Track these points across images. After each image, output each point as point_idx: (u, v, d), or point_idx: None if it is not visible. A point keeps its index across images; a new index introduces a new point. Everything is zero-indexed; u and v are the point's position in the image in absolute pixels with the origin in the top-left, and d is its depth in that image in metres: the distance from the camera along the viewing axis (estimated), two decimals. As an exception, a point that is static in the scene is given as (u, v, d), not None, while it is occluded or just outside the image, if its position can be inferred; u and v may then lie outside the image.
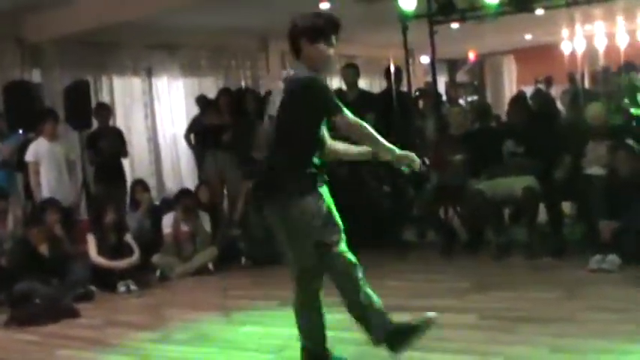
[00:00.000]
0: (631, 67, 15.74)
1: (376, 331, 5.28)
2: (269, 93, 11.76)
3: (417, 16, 10.83)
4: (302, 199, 5.12)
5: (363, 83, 11.78)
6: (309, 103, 5.05)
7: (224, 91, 12.51)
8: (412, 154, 5.45)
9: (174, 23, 13.21)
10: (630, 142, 8.61)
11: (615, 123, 10.06)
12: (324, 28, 5.25)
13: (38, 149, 10.48)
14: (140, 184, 11.43)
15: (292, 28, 5.30)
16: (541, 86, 18.93)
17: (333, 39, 5.28)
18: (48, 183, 10.45)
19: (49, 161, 10.49)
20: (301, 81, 5.12)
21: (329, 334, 5.55)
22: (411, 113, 11.44)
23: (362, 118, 10.48)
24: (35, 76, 12.86)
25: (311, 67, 5.21)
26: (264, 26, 14.85)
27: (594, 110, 9.43)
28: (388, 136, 9.99)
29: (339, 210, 5.34)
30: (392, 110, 10.88)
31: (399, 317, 5.34)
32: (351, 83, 11.27)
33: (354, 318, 5.34)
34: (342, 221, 5.31)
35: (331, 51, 5.29)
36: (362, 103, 10.92)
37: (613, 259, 7.97)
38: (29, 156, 10.53)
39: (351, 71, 11.39)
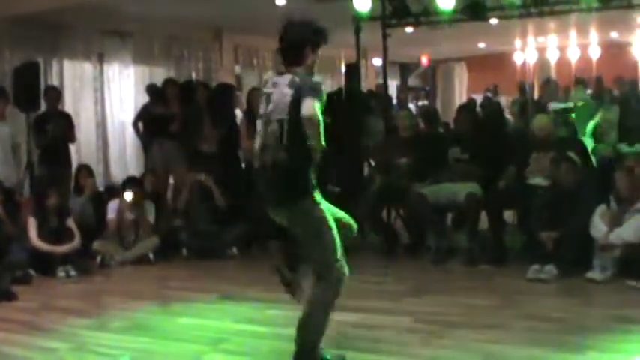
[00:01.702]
0: (580, 83, 15.93)
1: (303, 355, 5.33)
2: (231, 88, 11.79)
3: (370, 17, 10.89)
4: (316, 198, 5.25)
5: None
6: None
7: (169, 82, 12.45)
8: None
9: (129, 10, 13.16)
10: (572, 155, 8.72)
11: (560, 135, 10.16)
12: (324, 36, 5.47)
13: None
14: (85, 169, 11.35)
15: (298, 37, 5.39)
16: (489, 94, 19.09)
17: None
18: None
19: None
20: (317, 83, 5.17)
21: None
22: (362, 113, 11.46)
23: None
24: (-15, 55, 12.74)
25: (309, 73, 5.34)
26: (219, 19, 14.85)
27: (541, 121, 9.53)
28: (338, 135, 10.06)
29: None
30: (342, 109, 10.93)
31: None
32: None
33: (298, 326, 5.34)
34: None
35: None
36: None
37: (550, 269, 8.08)
38: None
39: None
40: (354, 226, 5.72)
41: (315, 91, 5.05)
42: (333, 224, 5.30)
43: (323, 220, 5.24)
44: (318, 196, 5.26)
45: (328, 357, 5.39)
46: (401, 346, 5.95)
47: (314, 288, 5.35)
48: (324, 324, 5.32)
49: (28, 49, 12.83)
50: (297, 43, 5.36)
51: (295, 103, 5.09)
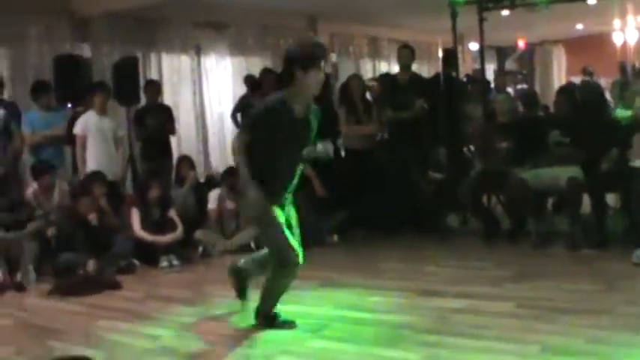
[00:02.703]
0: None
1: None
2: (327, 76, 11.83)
3: (466, 2, 10.81)
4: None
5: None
6: None
7: (266, 71, 12.53)
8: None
9: (224, 1, 13.27)
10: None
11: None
12: (317, 55, 5.89)
13: (87, 122, 10.51)
14: (186, 160, 11.52)
15: (285, 58, 5.99)
16: (587, 78, 18.76)
17: (322, 64, 5.93)
18: (95, 157, 10.47)
19: (96, 135, 10.50)
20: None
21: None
22: (460, 98, 11.41)
23: (412, 102, 10.61)
24: (85, 50, 12.93)
25: (300, 92, 5.96)
26: (313, 6, 14.87)
27: (643, 102, 9.36)
28: (436, 121, 10.06)
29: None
30: (440, 95, 10.90)
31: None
32: (406, 66, 11.25)
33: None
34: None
35: (321, 75, 5.96)
36: (413, 87, 10.95)
37: (656, 253, 7.93)
38: (77, 129, 10.53)
39: (406, 53, 11.35)
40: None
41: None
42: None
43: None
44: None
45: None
46: (503, 331, 5.90)
47: None
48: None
49: (126, 44, 13.05)
50: (285, 66, 6.00)
51: None
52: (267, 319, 6.44)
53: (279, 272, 6.27)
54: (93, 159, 10.46)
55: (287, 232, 6.17)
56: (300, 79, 5.90)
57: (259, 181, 5.97)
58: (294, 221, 6.45)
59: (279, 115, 5.96)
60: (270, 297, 6.44)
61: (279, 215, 6.14)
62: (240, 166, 6.06)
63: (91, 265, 8.89)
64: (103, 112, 10.68)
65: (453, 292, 6.90)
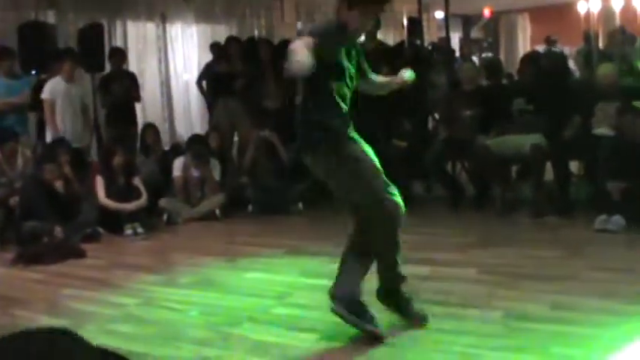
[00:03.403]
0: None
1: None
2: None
3: (432, -30, 10.82)
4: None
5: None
6: None
7: (232, 39, 12.54)
8: None
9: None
10: (638, 104, 8.60)
11: (626, 84, 10.03)
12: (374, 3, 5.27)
13: (55, 88, 10.40)
14: (151, 127, 11.48)
15: None
16: (548, 47, 18.79)
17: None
18: (62, 123, 10.41)
19: (63, 101, 10.42)
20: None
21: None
22: (425, 67, 11.43)
23: (377, 71, 10.55)
24: (50, 17, 12.83)
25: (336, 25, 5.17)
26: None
27: (605, 70, 9.43)
28: (400, 89, 10.03)
29: None
30: (406, 63, 10.89)
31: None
32: (371, 34, 11.23)
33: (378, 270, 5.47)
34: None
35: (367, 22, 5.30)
36: (378, 55, 10.91)
37: (618, 219, 8.01)
38: (45, 93, 10.43)
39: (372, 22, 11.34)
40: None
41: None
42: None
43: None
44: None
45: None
46: (467, 297, 5.95)
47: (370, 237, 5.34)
48: (394, 258, 5.40)
49: (91, 11, 12.96)
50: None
51: None
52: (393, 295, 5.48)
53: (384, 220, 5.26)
54: (60, 125, 10.39)
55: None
56: (347, 13, 5.16)
57: None
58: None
59: None
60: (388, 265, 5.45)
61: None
62: None
63: (58, 231, 8.86)
64: (70, 79, 10.60)
65: (417, 259, 6.93)
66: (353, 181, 5.12)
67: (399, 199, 5.20)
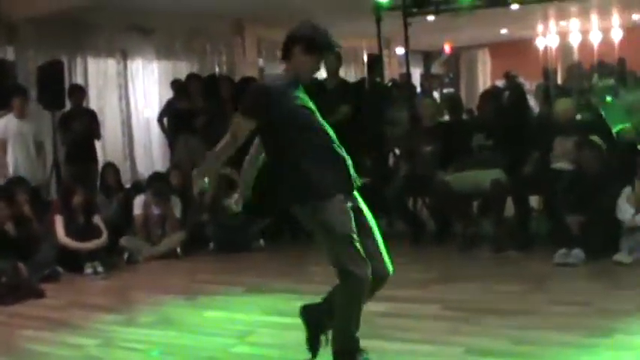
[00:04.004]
0: (604, 67, 15.87)
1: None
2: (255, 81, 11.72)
3: (391, 7, 10.86)
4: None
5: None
6: None
7: (193, 76, 12.58)
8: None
9: (151, 6, 13.20)
10: (596, 138, 8.68)
11: (583, 119, 10.13)
12: (322, 42, 5.38)
13: (7, 126, 10.39)
14: (111, 167, 11.42)
15: (291, 33, 5.38)
16: (500, 83, 18.91)
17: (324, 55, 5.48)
18: (15, 161, 10.36)
19: (15, 139, 10.38)
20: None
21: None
22: (386, 103, 11.48)
23: (338, 109, 10.59)
24: (9, 53, 12.78)
25: (294, 74, 5.33)
26: (240, 11, 14.85)
27: (563, 105, 9.51)
28: (362, 126, 10.08)
29: None
30: (365, 100, 10.95)
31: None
32: (333, 71, 11.27)
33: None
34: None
35: (319, 65, 5.44)
36: (340, 92, 10.97)
37: (578, 253, 8.06)
38: None
39: (332, 58, 11.38)
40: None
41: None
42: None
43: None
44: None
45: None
46: (427, 333, 5.96)
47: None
48: (347, 326, 5.18)
49: (51, 48, 12.90)
50: (287, 39, 5.40)
51: None
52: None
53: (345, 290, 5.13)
54: (13, 164, 10.33)
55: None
56: (297, 59, 5.36)
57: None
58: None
59: None
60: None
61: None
62: None
63: (22, 268, 8.73)
64: (22, 116, 10.56)
65: (378, 296, 6.88)
66: (325, 244, 5.08)
67: (367, 272, 5.00)
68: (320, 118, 5.26)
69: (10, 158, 10.35)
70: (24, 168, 10.37)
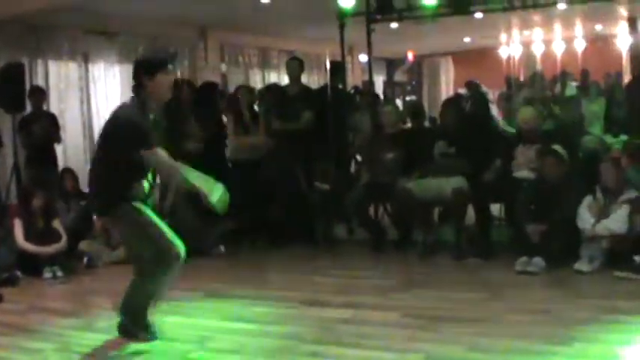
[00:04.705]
0: (566, 76, 15.98)
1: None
2: (216, 86, 11.66)
3: (354, 13, 10.87)
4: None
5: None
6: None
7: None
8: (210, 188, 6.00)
9: (113, 9, 13.14)
10: (558, 147, 8.71)
11: (546, 128, 10.17)
12: (161, 60, 5.95)
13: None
14: (69, 172, 11.33)
15: (134, 66, 6.00)
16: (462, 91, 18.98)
17: (170, 67, 5.99)
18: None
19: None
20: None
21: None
22: (345, 110, 11.49)
23: (300, 115, 10.61)
24: (-31, 56, 12.70)
25: (153, 98, 5.91)
26: (203, 17, 14.83)
27: (525, 114, 9.54)
28: (323, 133, 10.10)
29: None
30: (327, 107, 10.95)
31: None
32: (295, 77, 11.30)
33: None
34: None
35: (170, 77, 5.99)
36: (302, 98, 10.98)
37: (538, 261, 8.07)
38: None
39: (294, 64, 11.42)
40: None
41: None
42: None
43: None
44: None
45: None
46: (387, 340, 5.94)
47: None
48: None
49: (12, 50, 12.79)
50: (133, 71, 5.96)
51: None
52: (140, 326, 6.25)
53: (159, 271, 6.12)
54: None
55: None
56: (148, 85, 5.88)
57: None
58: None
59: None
60: (144, 301, 6.27)
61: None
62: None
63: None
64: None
65: (339, 302, 6.92)
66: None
67: (180, 249, 6.13)
68: None
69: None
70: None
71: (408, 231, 10.03)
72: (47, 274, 9.35)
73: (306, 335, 6.17)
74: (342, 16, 10.85)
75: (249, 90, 11.74)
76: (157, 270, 6.07)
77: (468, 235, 9.38)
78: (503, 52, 20.14)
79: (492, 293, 7.36)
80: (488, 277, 8.21)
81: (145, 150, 5.74)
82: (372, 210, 10.59)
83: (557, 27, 18.07)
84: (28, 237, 9.61)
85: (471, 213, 9.40)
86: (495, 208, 10.03)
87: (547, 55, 19.62)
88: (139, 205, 6.04)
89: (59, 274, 9.40)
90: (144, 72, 5.86)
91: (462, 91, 18.14)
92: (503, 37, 19.45)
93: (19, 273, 9.29)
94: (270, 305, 7.23)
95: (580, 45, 19.26)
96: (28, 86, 12.15)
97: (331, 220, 10.77)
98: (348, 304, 7.06)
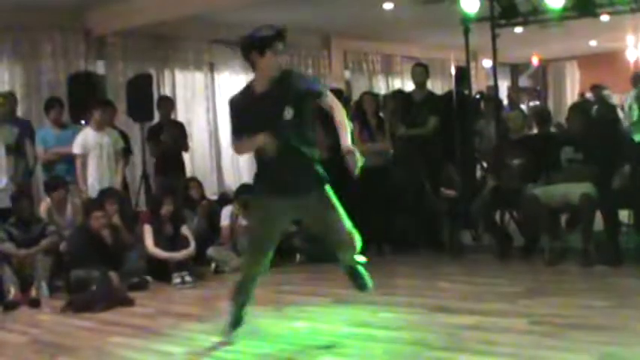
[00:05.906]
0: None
1: None
2: (341, 93, 11.75)
3: (479, 18, 10.80)
4: None
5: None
6: None
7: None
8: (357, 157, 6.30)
9: (237, 19, 13.29)
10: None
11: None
12: (270, 38, 6.13)
13: (85, 140, 10.42)
14: (194, 181, 11.55)
15: (242, 44, 6.23)
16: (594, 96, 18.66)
17: (279, 46, 6.15)
18: (96, 173, 10.36)
19: (95, 152, 10.35)
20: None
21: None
22: (471, 116, 11.42)
23: (426, 121, 10.61)
24: (99, 67, 13.02)
25: (262, 76, 6.15)
26: (326, 24, 14.92)
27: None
28: (449, 138, 10.06)
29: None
30: (453, 112, 10.91)
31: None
32: (420, 83, 11.32)
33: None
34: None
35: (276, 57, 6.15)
36: (428, 104, 10.98)
37: (668, 269, 7.92)
38: (76, 148, 10.43)
39: (420, 70, 11.44)
40: None
41: None
42: None
43: None
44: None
45: None
46: (514, 348, 5.87)
47: None
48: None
49: (140, 61, 13.14)
50: (243, 53, 6.22)
51: None
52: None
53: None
54: (94, 175, 10.37)
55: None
56: (258, 63, 6.13)
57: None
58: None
59: (240, 101, 6.29)
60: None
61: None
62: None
63: (114, 277, 8.90)
64: (100, 128, 10.52)
65: (465, 309, 6.89)
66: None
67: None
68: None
69: (90, 171, 10.37)
70: (104, 179, 10.41)
71: (535, 237, 9.92)
72: (176, 280, 9.54)
73: (433, 341, 6.16)
74: (466, 22, 10.79)
75: (374, 96, 11.77)
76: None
77: (595, 242, 9.23)
78: (631, 55, 19.72)
79: (621, 301, 7.21)
80: (617, 284, 8.06)
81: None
82: (497, 216, 10.50)
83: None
84: (157, 243, 9.82)
85: (598, 219, 9.26)
86: (624, 215, 9.86)
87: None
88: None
89: (188, 279, 9.58)
90: (255, 51, 6.12)
91: (588, 95, 17.89)
92: (630, 39, 19.03)
93: (149, 278, 9.51)
94: (396, 311, 7.24)
95: None
96: (155, 96, 12.41)
97: (457, 226, 10.73)
98: (474, 310, 7.03)
